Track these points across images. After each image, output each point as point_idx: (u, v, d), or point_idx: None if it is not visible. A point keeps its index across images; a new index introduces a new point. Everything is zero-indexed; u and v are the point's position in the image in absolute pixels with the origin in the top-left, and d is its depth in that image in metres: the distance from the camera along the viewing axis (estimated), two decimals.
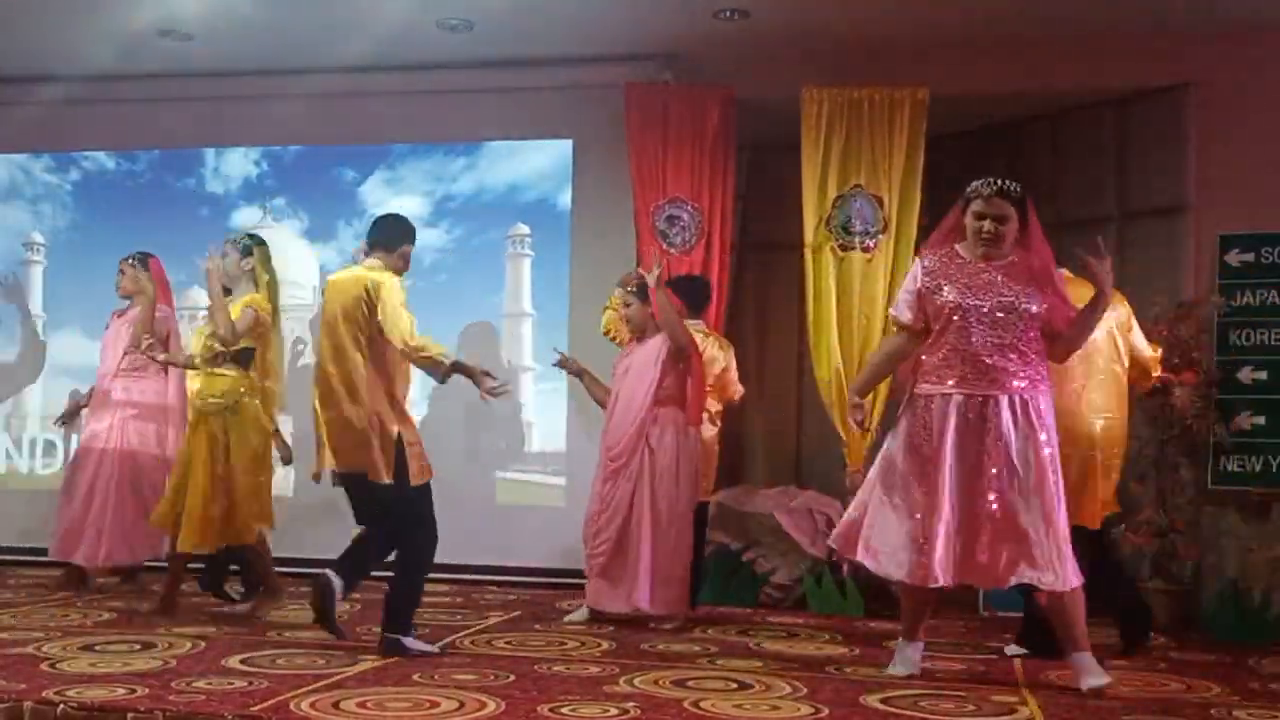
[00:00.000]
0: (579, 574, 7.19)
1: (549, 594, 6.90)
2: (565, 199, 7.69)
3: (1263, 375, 6.10)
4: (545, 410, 7.68)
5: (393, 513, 4.91)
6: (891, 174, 6.76)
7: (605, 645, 5.18)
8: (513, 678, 4.33)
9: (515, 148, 7.85)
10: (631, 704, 3.90)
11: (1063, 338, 4.46)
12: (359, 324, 4.93)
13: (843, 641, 5.49)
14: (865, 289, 6.75)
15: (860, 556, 4.49)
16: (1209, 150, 6.64)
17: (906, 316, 4.52)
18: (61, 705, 3.72)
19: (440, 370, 4.93)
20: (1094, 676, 4.33)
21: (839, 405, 6.78)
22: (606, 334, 6.36)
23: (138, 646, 4.78)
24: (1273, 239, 6.34)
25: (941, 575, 4.26)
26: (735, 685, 4.33)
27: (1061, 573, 4.24)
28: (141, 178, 8.32)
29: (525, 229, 7.79)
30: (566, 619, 5.88)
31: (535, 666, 4.57)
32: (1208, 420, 6.16)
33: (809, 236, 6.84)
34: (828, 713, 3.91)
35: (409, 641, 4.87)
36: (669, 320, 5.76)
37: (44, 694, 3.84)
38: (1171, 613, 6.10)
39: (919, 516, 4.35)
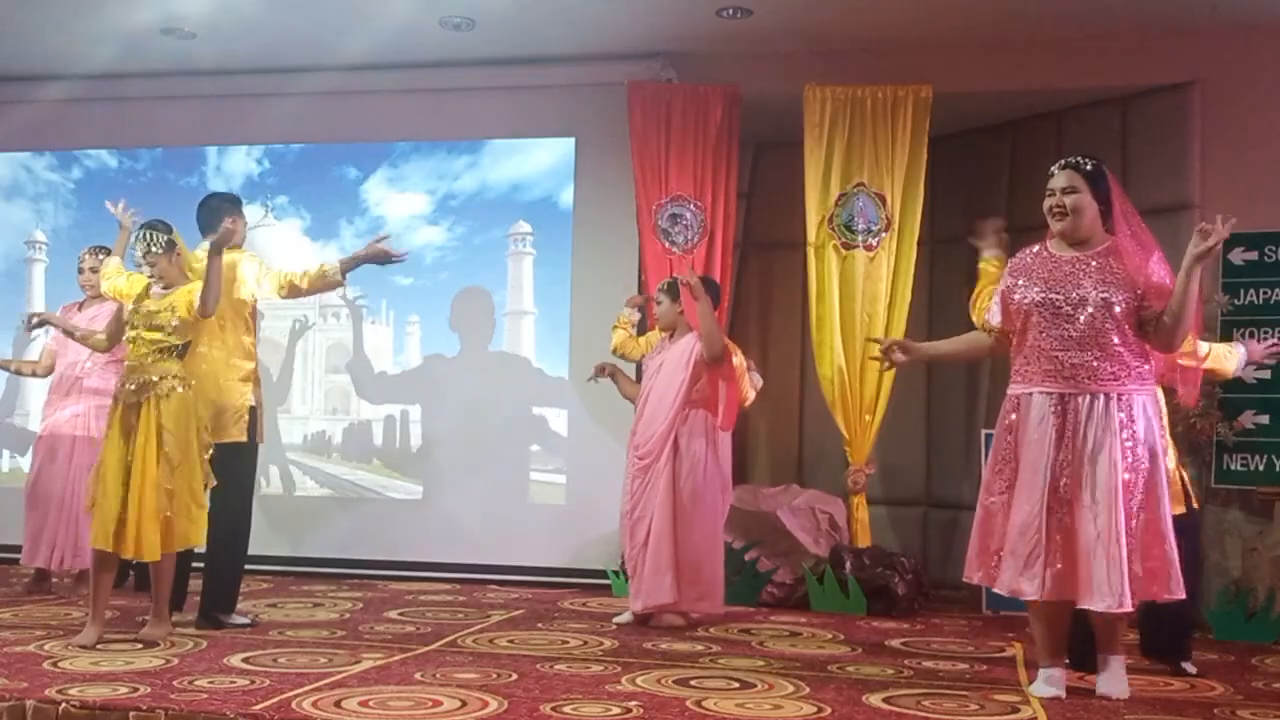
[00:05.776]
0: (581, 573, 7.23)
1: (551, 593, 6.90)
2: (567, 197, 7.68)
3: (1266, 374, 6.07)
4: (545, 409, 7.67)
5: (250, 472, 5.36)
6: (894, 172, 6.77)
7: (607, 644, 5.17)
8: (515, 676, 4.32)
9: (517, 146, 7.84)
10: (634, 703, 3.90)
11: (1161, 327, 4.12)
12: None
13: (845, 641, 5.48)
14: (868, 287, 6.75)
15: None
16: (1212, 148, 6.63)
17: (997, 319, 4.35)
18: (63, 704, 3.72)
19: (337, 282, 5.33)
20: (1115, 685, 4.20)
21: (842, 403, 6.78)
22: (616, 352, 6.32)
23: (139, 645, 4.77)
24: (1277, 237, 6.33)
25: (1000, 586, 4.14)
26: (737, 684, 4.32)
27: (1118, 594, 3.97)
28: (144, 176, 8.31)
29: (527, 227, 7.78)
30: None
31: (537, 665, 4.56)
32: (1211, 419, 6.14)
33: (812, 235, 6.84)
34: (830, 712, 3.90)
35: (233, 617, 5.28)
36: (709, 329, 5.71)
37: (46, 693, 3.84)
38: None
39: (999, 523, 4.20)
